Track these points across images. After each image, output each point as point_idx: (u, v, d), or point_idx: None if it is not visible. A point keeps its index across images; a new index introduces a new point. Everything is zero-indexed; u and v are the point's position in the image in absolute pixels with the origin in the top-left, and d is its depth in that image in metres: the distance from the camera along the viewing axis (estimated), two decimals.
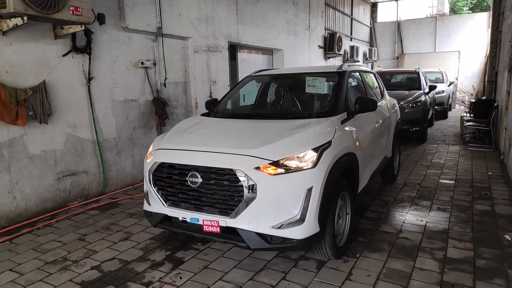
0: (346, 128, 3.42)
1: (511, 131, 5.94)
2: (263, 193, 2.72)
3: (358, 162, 3.51)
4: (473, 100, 11.21)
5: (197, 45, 6.78)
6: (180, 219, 3.04)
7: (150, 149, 3.42)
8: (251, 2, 8.30)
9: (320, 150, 2.89)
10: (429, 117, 9.73)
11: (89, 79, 4.95)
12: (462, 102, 17.36)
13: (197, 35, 6.75)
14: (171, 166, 3.05)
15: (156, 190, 3.17)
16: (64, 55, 4.63)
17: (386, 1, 18.96)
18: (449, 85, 13.85)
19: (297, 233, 2.75)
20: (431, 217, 4.21)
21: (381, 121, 4.53)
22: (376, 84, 5.24)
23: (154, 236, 3.87)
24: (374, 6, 19.13)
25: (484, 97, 10.37)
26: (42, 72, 4.41)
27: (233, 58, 8.29)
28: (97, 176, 5.17)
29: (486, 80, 12.27)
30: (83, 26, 4.44)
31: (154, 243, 3.69)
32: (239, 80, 8.41)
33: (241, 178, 2.74)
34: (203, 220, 2.90)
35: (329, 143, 2.99)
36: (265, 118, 3.72)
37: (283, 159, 2.79)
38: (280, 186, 2.75)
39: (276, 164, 2.77)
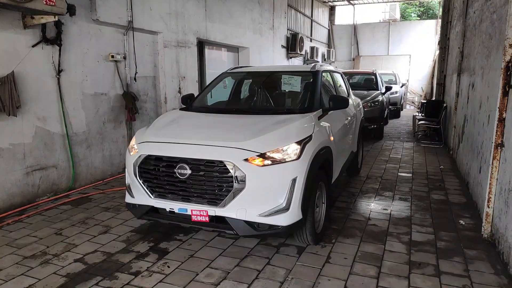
0: (322, 124, 3.66)
1: (460, 129, 6.55)
2: (251, 184, 2.87)
3: (332, 155, 3.77)
4: (424, 101, 12.07)
5: (167, 40, 6.77)
6: (168, 210, 3.11)
7: (133, 142, 3.45)
8: None
9: (302, 143, 3.09)
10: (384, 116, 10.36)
11: (59, 71, 4.81)
12: (412, 102, 18.55)
13: (167, 30, 6.73)
14: (158, 158, 3.11)
15: (142, 182, 3.21)
16: (33, 46, 4.48)
17: (344, 5, 19.73)
18: (401, 86, 14.78)
19: (283, 220, 2.94)
20: (394, 206, 4.59)
21: (349, 118, 4.84)
22: (342, 84, 5.56)
23: (135, 228, 3.88)
24: (332, 9, 19.86)
25: (433, 98, 11.21)
26: (10, 63, 4.24)
27: (200, 54, 8.33)
28: (66, 171, 5.04)
29: (435, 82, 13.22)
30: (56, 16, 4.32)
31: (135, 236, 3.72)
32: (206, 76, 8.51)
33: (231, 169, 2.87)
34: (191, 210, 3.00)
35: (310, 137, 3.20)
36: (246, 113, 3.87)
37: (270, 151, 2.96)
38: (267, 176, 2.91)
39: (263, 156, 2.93)
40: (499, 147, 3.50)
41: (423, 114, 10.47)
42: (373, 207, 4.54)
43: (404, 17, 30.13)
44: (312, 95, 3.95)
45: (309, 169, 3.07)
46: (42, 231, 3.82)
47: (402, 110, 15.61)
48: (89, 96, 5.32)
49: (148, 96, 6.55)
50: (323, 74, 4.63)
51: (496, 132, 3.50)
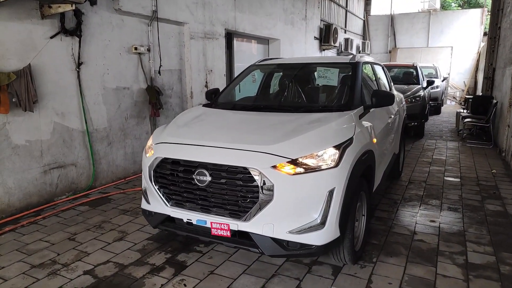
0: (364, 124, 3.16)
1: None
2: (281, 195, 2.44)
3: (375, 160, 3.27)
4: (469, 96, 11.15)
5: (194, 31, 6.41)
6: (185, 220, 2.75)
7: (150, 142, 3.10)
8: None
9: (342, 147, 2.63)
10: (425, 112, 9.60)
11: (79, 64, 4.56)
12: (454, 98, 17.39)
13: (193, 21, 6.37)
14: (176, 162, 2.74)
15: (158, 188, 2.86)
16: (51, 37, 4.23)
17: None
18: (442, 81, 13.80)
19: (317, 238, 2.50)
20: (443, 217, 4.02)
21: (392, 116, 4.30)
22: (383, 78, 5.00)
23: (152, 236, 3.56)
24: None
25: (480, 93, 10.30)
26: (27, 55, 4.01)
27: (229, 46, 7.94)
28: (86, 169, 4.80)
29: (479, 76, 12.20)
30: (73, 5, 4.03)
31: (152, 244, 3.39)
32: (235, 69, 8.12)
33: (256, 178, 2.46)
34: (211, 222, 2.62)
35: (350, 140, 2.72)
36: (276, 111, 3.42)
37: (303, 157, 2.52)
38: (300, 187, 2.48)
39: (295, 162, 2.50)
40: None
41: (468, 111, 9.62)
42: (419, 218, 3.99)
43: (443, 7, 28.44)
44: (352, 90, 3.45)
45: (349, 179, 2.60)
46: (55, 235, 3.56)
47: (442, 105, 14.62)
48: (111, 91, 5.06)
49: (173, 90, 6.24)
50: (364, 66, 4.11)
51: None
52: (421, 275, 2.87)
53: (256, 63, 4.39)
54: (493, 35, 9.82)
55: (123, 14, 5.10)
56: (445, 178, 5.52)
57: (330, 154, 2.57)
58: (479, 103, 8.95)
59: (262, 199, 2.47)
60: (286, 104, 3.83)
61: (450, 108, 15.42)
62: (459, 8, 27.82)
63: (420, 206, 4.35)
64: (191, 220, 2.72)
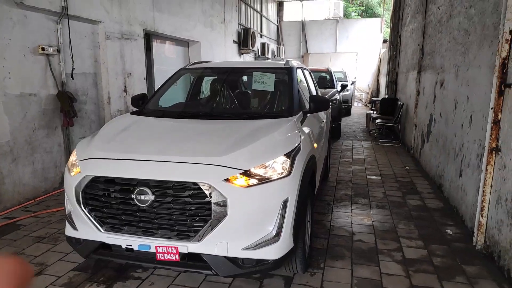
0: (305, 129, 3.15)
1: (424, 128, 6.44)
2: (235, 210, 2.27)
3: (316, 165, 3.29)
4: (376, 99, 12.16)
5: (109, 31, 5.87)
6: (124, 247, 2.41)
7: (74, 157, 2.69)
8: None
9: (292, 155, 2.56)
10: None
11: None
12: (360, 100, 18.90)
13: (109, 20, 5.83)
14: (110, 181, 2.39)
15: (88, 212, 2.47)
16: None
17: (292, 0, 19.56)
18: (351, 84, 14.88)
19: (273, 252, 2.38)
20: (374, 215, 4.23)
21: (324, 120, 4.41)
22: (311, 82, 5.12)
23: (78, 265, 3.09)
24: (280, 5, 19.60)
25: (386, 96, 11.30)
26: None
27: (148, 48, 7.47)
28: None
29: (383, 79, 13.41)
30: None
31: (80, 275, 2.94)
32: (154, 73, 7.67)
33: (207, 193, 2.25)
34: (156, 247, 2.33)
35: (298, 147, 2.67)
36: (215, 118, 3.24)
37: (255, 167, 2.38)
38: (254, 199, 2.33)
39: (248, 174, 2.35)
40: (493, 152, 3.24)
41: (377, 112, 10.47)
42: (353, 218, 4.14)
43: (345, 15, 30.84)
44: (290, 95, 3.42)
45: (300, 187, 2.54)
46: None
47: (351, 107, 15.76)
48: (14, 98, 4.34)
49: (88, 96, 5.62)
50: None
51: (491, 136, 3.23)
52: (368, 276, 2.94)
53: (187, 67, 4.14)
54: (394, 43, 10.84)
55: (26, 9, 4.42)
56: (368, 176, 5.87)
57: (281, 163, 2.48)
58: (387, 105, 9.80)
59: (214, 216, 2.27)
60: (226, 110, 3.66)
61: (358, 109, 16.71)
62: (358, 17, 30.39)
63: (352, 206, 4.53)
64: (131, 245, 2.39)
